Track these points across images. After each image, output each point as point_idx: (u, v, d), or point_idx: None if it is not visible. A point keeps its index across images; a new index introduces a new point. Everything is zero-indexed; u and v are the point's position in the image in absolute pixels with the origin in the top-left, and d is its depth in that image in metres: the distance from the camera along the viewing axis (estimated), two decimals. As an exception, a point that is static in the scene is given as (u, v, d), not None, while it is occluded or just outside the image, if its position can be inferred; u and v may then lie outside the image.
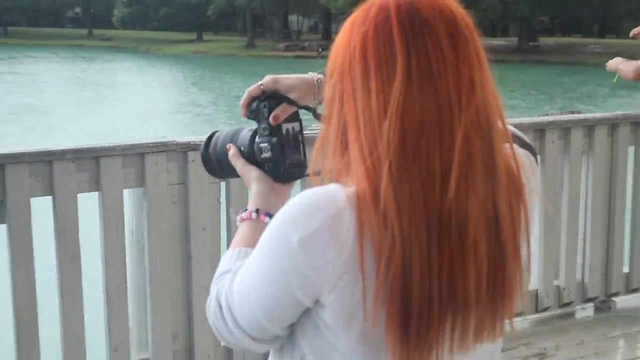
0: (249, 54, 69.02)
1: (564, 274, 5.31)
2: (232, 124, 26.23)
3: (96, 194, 4.03)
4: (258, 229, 1.58)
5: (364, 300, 1.30)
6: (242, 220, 1.68)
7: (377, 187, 1.28)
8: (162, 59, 66.21)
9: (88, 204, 4.03)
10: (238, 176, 1.76)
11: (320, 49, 66.30)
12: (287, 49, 68.80)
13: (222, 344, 1.69)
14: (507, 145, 1.41)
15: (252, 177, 1.70)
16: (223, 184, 4.32)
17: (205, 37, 77.78)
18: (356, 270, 1.30)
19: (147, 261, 4.17)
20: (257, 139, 1.67)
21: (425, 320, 1.32)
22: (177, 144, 4.13)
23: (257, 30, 75.77)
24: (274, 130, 1.64)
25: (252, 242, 1.55)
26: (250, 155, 1.69)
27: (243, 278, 1.46)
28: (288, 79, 1.70)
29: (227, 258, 1.60)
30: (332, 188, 1.34)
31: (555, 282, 5.31)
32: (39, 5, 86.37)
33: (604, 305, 5.53)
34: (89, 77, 51.04)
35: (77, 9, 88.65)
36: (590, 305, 5.55)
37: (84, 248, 4.01)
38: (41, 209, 3.92)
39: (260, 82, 1.69)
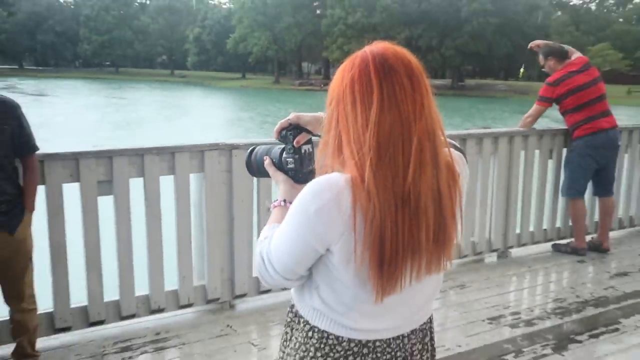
0: (276, 87, 71.86)
1: (477, 233, 5.44)
2: (262, 132, 28.66)
3: (172, 176, 4.14)
4: (285, 211, 1.60)
5: (355, 248, 1.40)
6: (275, 207, 1.71)
7: (363, 175, 1.37)
8: (219, 90, 67.61)
9: (166, 183, 4.13)
10: (269, 177, 1.78)
11: (322, 85, 68.52)
12: (300, 84, 73.45)
13: (265, 287, 1.60)
14: (446, 149, 1.48)
15: (280, 179, 1.73)
16: (253, 180, 4.38)
17: (247, 76, 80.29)
18: (351, 229, 1.40)
19: (205, 220, 4.27)
20: (284, 155, 1.72)
21: (393, 261, 1.41)
22: (225, 145, 4.25)
23: (281, 72, 78.29)
24: (296, 150, 1.70)
25: (282, 220, 1.59)
26: (279, 165, 1.74)
27: (277, 239, 1.53)
28: (306, 116, 1.72)
29: (266, 230, 1.65)
30: (335, 175, 1.43)
31: (471, 239, 5.46)
32: (139, 54, 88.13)
33: (503, 254, 5.67)
34: (170, 101, 52.20)
35: (164, 57, 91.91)
36: (494, 254, 5.64)
37: (164, 211, 4.12)
38: (135, 185, 3.99)
39: (288, 118, 1.72)
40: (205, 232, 4.30)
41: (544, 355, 3.81)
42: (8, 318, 3.48)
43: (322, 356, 1.55)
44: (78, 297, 3.95)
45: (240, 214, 4.35)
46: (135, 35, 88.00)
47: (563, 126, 5.85)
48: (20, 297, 3.39)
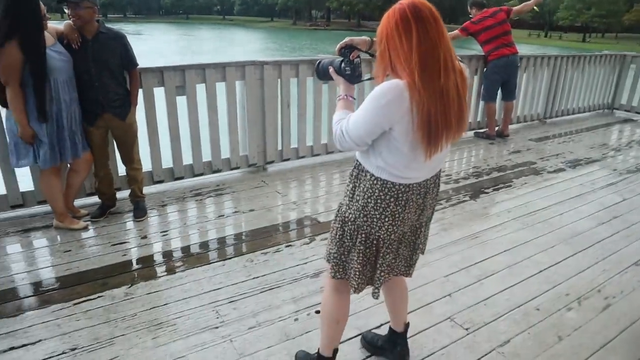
0: (293, 28, 69.89)
1: None
2: (284, 54, 29.00)
3: (224, 83, 4.08)
4: (347, 102, 1.71)
5: (412, 125, 1.48)
6: (339, 99, 1.73)
7: (414, 80, 1.44)
8: (255, 30, 64.85)
9: (220, 87, 4.09)
10: (332, 80, 1.79)
11: (325, 25, 66.16)
12: (310, 25, 72.33)
13: (340, 149, 1.63)
14: (456, 61, 1.53)
15: (340, 81, 1.74)
16: (277, 86, 4.34)
17: (274, 19, 76.47)
18: (408, 114, 1.47)
19: (246, 111, 4.25)
20: (342, 65, 1.72)
21: (435, 133, 1.49)
22: (259, 61, 4.18)
23: (297, 17, 73.72)
24: (351, 61, 1.72)
25: (346, 107, 1.69)
26: (339, 71, 1.74)
27: (354, 118, 1.56)
28: (357, 39, 1.73)
29: (338, 115, 1.66)
30: (396, 81, 1.47)
31: None
32: (201, 4, 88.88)
33: None
34: (223, 36, 50.39)
35: (218, 6, 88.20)
36: None
37: (219, 106, 4.09)
38: (199, 89, 3.96)
39: (344, 40, 1.73)
40: (246, 120, 4.29)
41: (464, 201, 3.92)
42: (125, 174, 3.60)
43: (383, 195, 1.62)
44: (167, 161, 4.04)
45: (269, 108, 4.31)
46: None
47: (481, 54, 5.76)
48: (131, 160, 3.46)
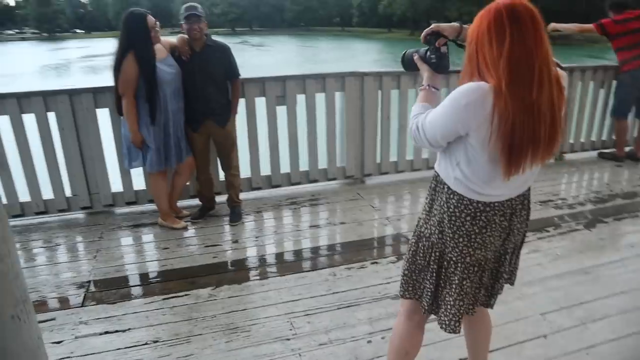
0: (410, 38, 67.75)
1: None
2: (395, 66, 26.55)
3: (323, 94, 4.11)
4: (430, 93, 1.60)
5: (490, 136, 1.35)
6: (421, 90, 1.63)
7: (500, 87, 1.31)
8: (374, 41, 64.57)
9: (320, 98, 4.11)
10: (417, 70, 1.68)
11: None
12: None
13: (415, 146, 1.54)
14: (554, 68, 1.38)
15: (424, 69, 1.63)
16: (378, 98, 4.27)
17: (392, 30, 76.62)
18: (488, 122, 1.34)
19: (345, 123, 4.25)
20: (428, 53, 1.62)
21: (518, 150, 1.35)
22: (359, 72, 4.17)
23: (414, 27, 73.60)
24: (437, 49, 1.60)
25: (426, 99, 1.59)
26: (425, 60, 1.64)
27: (432, 116, 1.47)
28: (444, 25, 1.61)
29: (417, 107, 1.58)
30: (481, 83, 1.36)
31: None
32: (322, 17, 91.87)
33: (559, 157, 5.11)
34: (341, 47, 51.65)
35: (338, 18, 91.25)
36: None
37: (317, 116, 4.14)
38: (300, 100, 4.02)
39: (430, 27, 1.62)
40: (344, 131, 4.27)
41: (577, 230, 3.49)
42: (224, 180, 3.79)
43: (458, 212, 1.50)
44: (265, 169, 4.16)
45: (369, 120, 4.25)
46: (319, 4, 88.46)
47: (610, 64, 5.11)
48: (229, 166, 3.63)
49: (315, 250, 3.25)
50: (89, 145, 3.60)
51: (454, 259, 1.56)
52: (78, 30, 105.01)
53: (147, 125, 3.14)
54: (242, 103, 3.77)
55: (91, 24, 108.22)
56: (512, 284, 1.74)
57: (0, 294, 1.69)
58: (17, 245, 3.37)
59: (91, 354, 2.24)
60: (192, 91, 3.28)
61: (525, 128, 1.34)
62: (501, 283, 1.70)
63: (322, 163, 4.31)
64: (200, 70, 3.25)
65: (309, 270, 2.94)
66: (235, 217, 3.65)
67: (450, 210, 1.51)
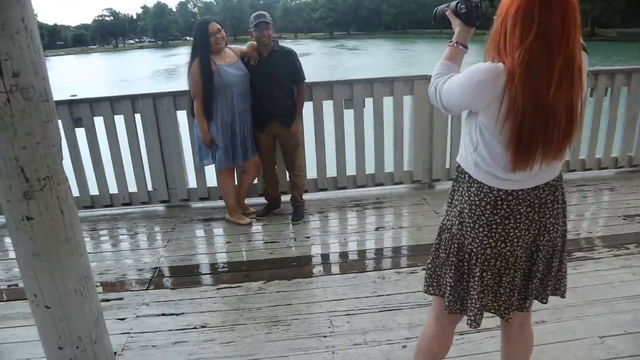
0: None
1: (634, 149, 4.60)
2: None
3: (391, 97, 4.07)
4: (457, 50, 1.57)
5: (498, 115, 1.32)
6: (450, 46, 1.59)
7: (514, 72, 1.27)
8: (470, 42, 61.32)
9: (388, 101, 4.07)
10: (449, 26, 1.63)
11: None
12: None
13: (433, 103, 1.51)
14: (581, 53, 1.31)
15: (456, 23, 1.57)
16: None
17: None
18: (498, 102, 1.31)
19: (413, 126, 4.17)
20: (459, 5, 1.57)
21: (527, 148, 1.32)
22: (407, 77, 4.10)
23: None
24: (467, 1, 1.55)
25: (452, 57, 1.57)
26: (455, 12, 1.58)
27: (449, 86, 1.47)
28: None
29: (439, 67, 1.57)
30: (496, 64, 1.32)
31: (629, 153, 4.53)
32: (419, 19, 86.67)
33: None
34: (438, 49, 50.02)
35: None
36: None
37: (385, 119, 4.10)
38: (368, 102, 4.04)
39: None
40: (413, 135, 4.22)
41: None
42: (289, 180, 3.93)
43: (479, 201, 1.46)
44: (331, 170, 4.25)
45: (438, 123, 4.15)
46: (417, 7, 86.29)
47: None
48: (293, 166, 3.76)
49: (369, 252, 3.27)
50: (168, 144, 3.94)
51: (474, 250, 1.51)
52: (188, 38, 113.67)
53: (217, 125, 3.37)
54: (310, 106, 3.90)
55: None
56: (562, 295, 1.63)
57: (66, 269, 1.97)
58: (105, 232, 3.79)
59: (147, 332, 2.47)
60: (259, 93, 3.47)
61: (537, 130, 1.29)
62: (535, 284, 1.58)
63: (389, 167, 4.29)
64: (267, 73, 3.42)
65: (359, 272, 2.97)
66: (298, 216, 3.78)
67: (471, 199, 1.48)
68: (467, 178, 1.50)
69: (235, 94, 3.37)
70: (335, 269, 3.04)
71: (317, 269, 3.04)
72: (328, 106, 4.02)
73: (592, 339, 2.29)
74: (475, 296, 1.53)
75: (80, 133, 3.87)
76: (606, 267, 2.93)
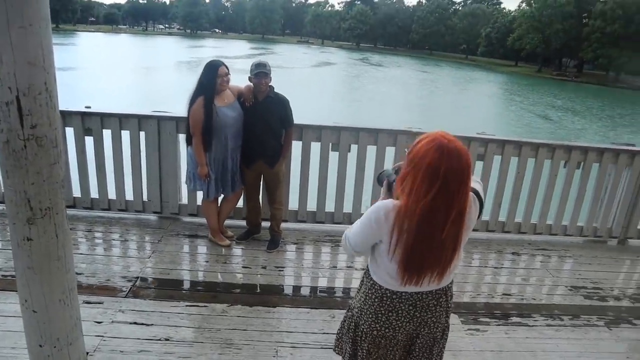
0: (537, 75, 62.82)
1: (600, 220, 4.91)
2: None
3: (375, 146, 4.38)
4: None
5: (390, 246, 1.60)
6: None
7: (402, 209, 1.52)
8: (498, 74, 60.20)
9: (371, 150, 4.41)
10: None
11: (573, 77, 58.21)
12: (556, 75, 62.45)
13: (346, 252, 1.80)
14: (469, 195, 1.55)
15: (383, 193, 1.80)
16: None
17: (519, 65, 72.12)
18: (390, 235, 1.58)
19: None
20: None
21: (416, 272, 1.60)
22: (390, 130, 4.34)
23: (543, 63, 68.29)
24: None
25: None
26: (388, 188, 1.77)
27: (354, 227, 1.74)
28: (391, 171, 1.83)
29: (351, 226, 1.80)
30: (390, 201, 1.60)
31: (594, 224, 4.86)
32: (447, 43, 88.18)
33: (622, 242, 4.95)
34: (460, 78, 47.81)
35: (464, 46, 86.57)
36: (615, 240, 5.02)
37: (367, 167, 4.41)
38: (353, 149, 4.37)
39: (398, 164, 1.78)
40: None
41: (595, 326, 3.40)
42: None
43: (371, 293, 1.76)
44: (312, 205, 4.59)
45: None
46: (446, 30, 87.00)
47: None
48: (274, 200, 4.10)
49: (329, 290, 3.61)
50: (167, 162, 4.34)
51: (365, 330, 1.83)
52: (217, 30, 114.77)
53: (210, 160, 3.74)
54: (299, 145, 4.25)
55: (229, 26, 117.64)
56: None
57: (55, 283, 2.36)
58: (99, 234, 4.18)
59: (118, 337, 2.84)
60: (250, 134, 3.83)
61: (429, 259, 1.58)
62: None
63: (366, 208, 4.54)
64: (260, 117, 3.78)
65: (313, 308, 3.31)
66: (273, 245, 4.14)
67: (367, 291, 1.80)
68: (367, 277, 1.82)
69: (229, 133, 3.74)
70: (294, 301, 3.38)
71: (278, 299, 3.39)
72: (315, 147, 4.38)
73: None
74: None
75: (89, 141, 4.28)
76: (536, 335, 3.23)
